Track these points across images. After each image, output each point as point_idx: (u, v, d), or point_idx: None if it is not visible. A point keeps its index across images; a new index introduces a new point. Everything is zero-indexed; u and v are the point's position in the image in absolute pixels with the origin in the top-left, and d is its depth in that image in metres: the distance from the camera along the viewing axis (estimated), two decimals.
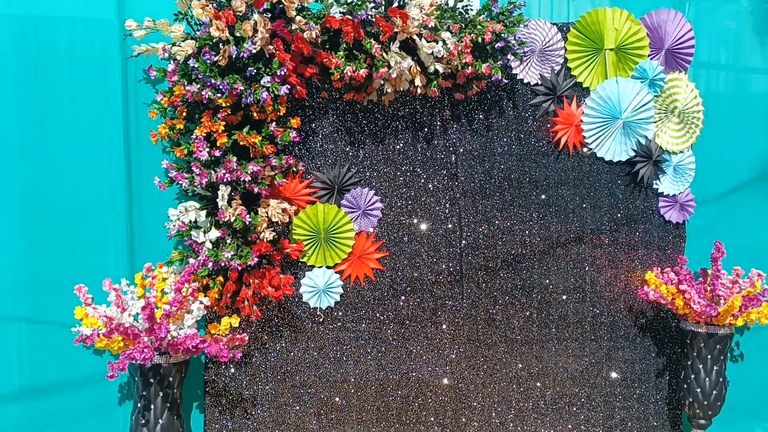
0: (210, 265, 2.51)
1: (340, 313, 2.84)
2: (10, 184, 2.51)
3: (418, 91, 2.73)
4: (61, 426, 2.58)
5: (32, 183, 2.53)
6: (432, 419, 2.94)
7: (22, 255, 2.53)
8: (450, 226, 2.92)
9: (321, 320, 2.83)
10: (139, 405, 2.50)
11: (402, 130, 2.86)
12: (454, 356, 2.95)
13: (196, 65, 2.38)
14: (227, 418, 2.75)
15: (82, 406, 2.60)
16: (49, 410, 2.57)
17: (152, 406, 2.49)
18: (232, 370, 2.75)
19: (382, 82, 2.68)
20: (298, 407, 2.82)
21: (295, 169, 2.71)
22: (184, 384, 2.58)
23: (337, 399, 2.85)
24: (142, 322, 2.39)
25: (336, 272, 2.82)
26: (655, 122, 3.07)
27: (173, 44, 2.45)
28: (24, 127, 2.51)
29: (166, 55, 2.45)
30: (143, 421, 2.49)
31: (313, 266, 2.80)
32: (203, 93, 2.40)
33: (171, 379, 2.51)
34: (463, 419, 2.98)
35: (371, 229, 2.85)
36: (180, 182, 2.48)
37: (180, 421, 2.56)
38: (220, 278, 2.57)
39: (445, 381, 2.95)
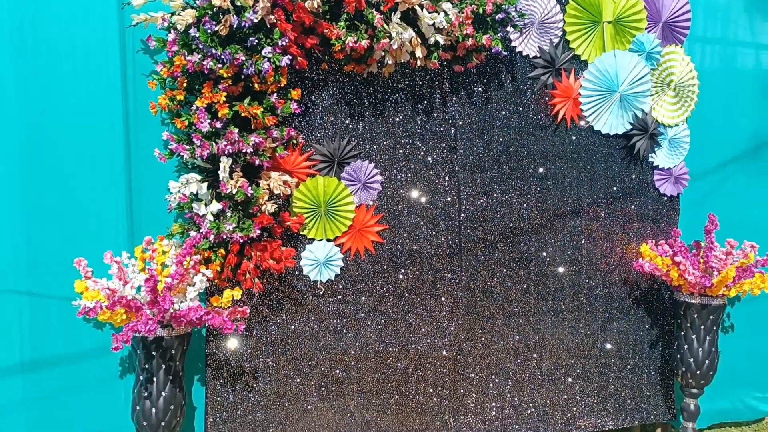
0: (211, 237, 2.49)
1: (340, 286, 2.85)
2: (9, 158, 2.46)
3: (418, 63, 2.72)
4: (62, 399, 2.56)
5: (31, 156, 2.47)
6: (431, 390, 2.97)
7: (22, 228, 2.48)
8: (449, 199, 2.93)
9: (321, 293, 2.83)
10: (141, 378, 2.49)
11: (401, 103, 2.85)
12: (452, 328, 2.98)
13: (197, 35, 2.35)
14: (228, 391, 2.75)
15: (83, 379, 2.58)
16: (50, 383, 2.54)
17: (155, 379, 2.48)
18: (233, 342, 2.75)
19: (383, 53, 2.66)
20: (299, 380, 2.83)
21: (295, 142, 2.70)
22: (185, 357, 2.58)
23: (337, 371, 2.87)
24: (144, 295, 2.38)
25: (336, 245, 2.82)
26: (651, 95, 3.09)
27: (173, 13, 2.41)
28: (21, 99, 2.45)
29: (166, 24, 2.41)
30: (146, 394, 2.48)
31: (313, 239, 2.79)
32: (204, 63, 2.37)
33: (173, 351, 2.50)
34: (462, 390, 3.01)
35: (371, 202, 2.85)
36: (181, 154, 2.45)
37: (182, 394, 2.56)
38: (222, 251, 2.56)
39: (444, 353, 2.98)
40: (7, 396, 2.51)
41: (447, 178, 2.92)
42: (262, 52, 2.42)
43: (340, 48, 2.57)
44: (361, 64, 2.72)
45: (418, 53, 2.67)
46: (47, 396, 2.55)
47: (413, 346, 2.95)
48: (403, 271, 2.91)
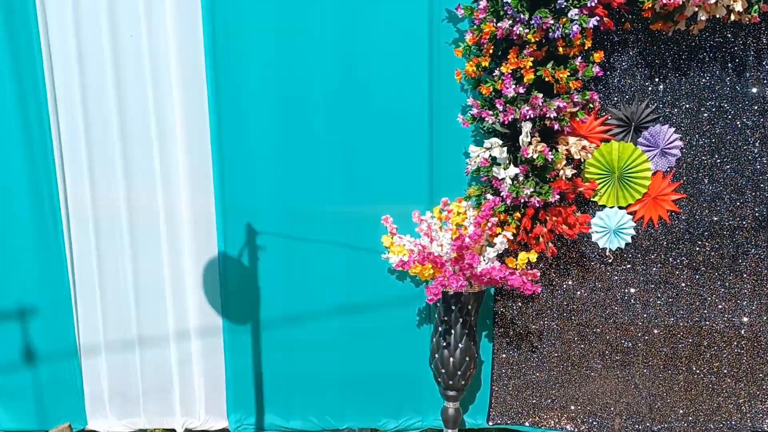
0: (509, 201, 2.57)
1: (630, 255, 2.77)
2: (331, 123, 2.72)
3: (732, 17, 2.49)
4: (370, 340, 2.85)
5: (350, 120, 2.71)
6: (725, 371, 2.79)
7: (339, 188, 2.77)
8: (758, 167, 2.67)
9: (610, 261, 2.78)
10: (440, 329, 2.68)
11: (708, 62, 2.63)
12: (754, 307, 2.75)
13: (508, 0, 2.39)
14: (514, 349, 2.85)
15: (387, 325, 2.84)
16: (360, 326, 2.85)
17: (453, 331, 2.66)
18: (519, 304, 2.83)
19: (696, 8, 2.47)
20: (582, 345, 2.83)
21: (591, 106, 2.64)
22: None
23: (623, 341, 2.81)
24: (447, 252, 2.54)
25: (628, 213, 2.73)
26: None
27: None
28: (338, 64, 2.67)
29: None
30: (444, 344, 2.67)
31: (604, 206, 2.74)
32: (514, 29, 2.41)
33: (470, 307, 2.65)
34: (761, 374, 2.78)
35: (668, 169, 2.71)
36: (485, 119, 2.54)
37: (476, 347, 2.71)
38: (517, 214, 2.62)
39: (742, 332, 2.76)
40: (327, 334, 2.86)
41: (757, 144, 2.66)
42: (569, 15, 2.40)
43: (650, 5, 2.45)
44: (668, 22, 2.56)
45: (738, 7, 2.44)
46: (358, 336, 2.86)
47: (707, 322, 2.78)
48: (699, 243, 2.73)
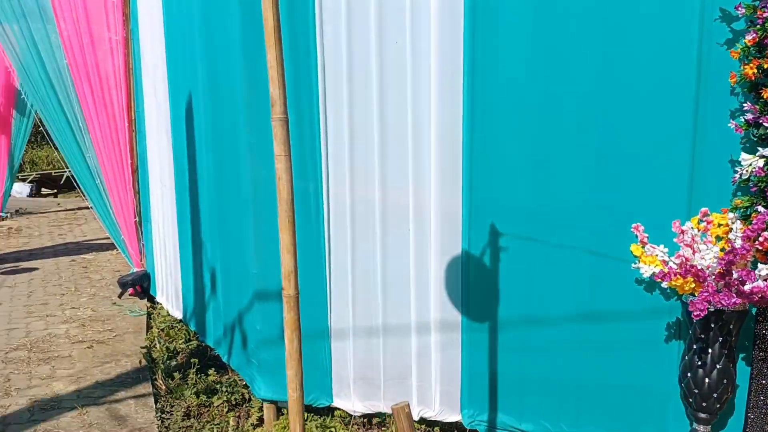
0: None
1: None
2: (584, 130, 2.67)
3: None
4: (612, 350, 2.76)
5: (604, 125, 2.64)
6: None
7: (586, 192, 2.71)
8: None
9: None
10: (694, 347, 2.54)
11: None
12: None
13: None
14: None
15: (631, 336, 2.73)
16: (601, 335, 2.77)
17: (710, 350, 2.50)
18: None
19: None
20: None
21: None
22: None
23: None
24: (712, 266, 2.39)
25: None
26: None
27: None
28: (596, 64, 2.61)
29: None
30: (699, 363, 2.52)
31: None
32: None
33: (731, 326, 2.47)
34: None
35: None
36: (764, 125, 2.35)
37: (734, 370, 2.53)
38: None
39: None
40: (564, 339, 2.83)
41: None
42: None
43: None
44: None
45: None
46: (597, 346, 2.79)
47: None
48: None
